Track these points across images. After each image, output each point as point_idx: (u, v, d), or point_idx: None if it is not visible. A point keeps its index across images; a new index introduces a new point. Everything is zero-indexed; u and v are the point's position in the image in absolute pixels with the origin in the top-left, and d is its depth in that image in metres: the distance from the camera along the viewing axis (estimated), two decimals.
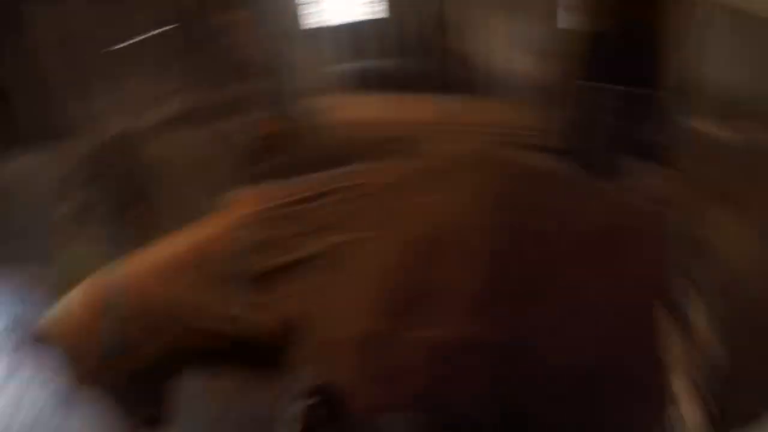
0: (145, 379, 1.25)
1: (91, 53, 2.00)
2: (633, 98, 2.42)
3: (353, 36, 2.14)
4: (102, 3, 1.90)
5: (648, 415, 1.04)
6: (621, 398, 1.01)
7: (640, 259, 1.05)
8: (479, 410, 1.02)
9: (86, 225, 2.34)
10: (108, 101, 2.31)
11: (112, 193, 2.66)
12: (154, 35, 1.98)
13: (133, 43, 1.98)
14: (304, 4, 2.01)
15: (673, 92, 2.34)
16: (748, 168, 1.37)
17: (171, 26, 1.97)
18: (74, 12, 1.96)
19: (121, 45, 1.98)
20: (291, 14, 2.03)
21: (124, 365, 1.18)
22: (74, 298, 1.22)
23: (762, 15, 2.48)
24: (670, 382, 1.02)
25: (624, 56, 2.51)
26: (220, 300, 1.13)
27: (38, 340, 1.20)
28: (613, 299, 1.00)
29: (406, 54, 2.21)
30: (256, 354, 1.19)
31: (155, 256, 1.19)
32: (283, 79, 2.05)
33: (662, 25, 2.31)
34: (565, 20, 2.18)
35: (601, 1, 2.19)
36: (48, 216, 2.79)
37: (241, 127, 1.97)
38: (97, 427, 1.26)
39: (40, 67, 2.14)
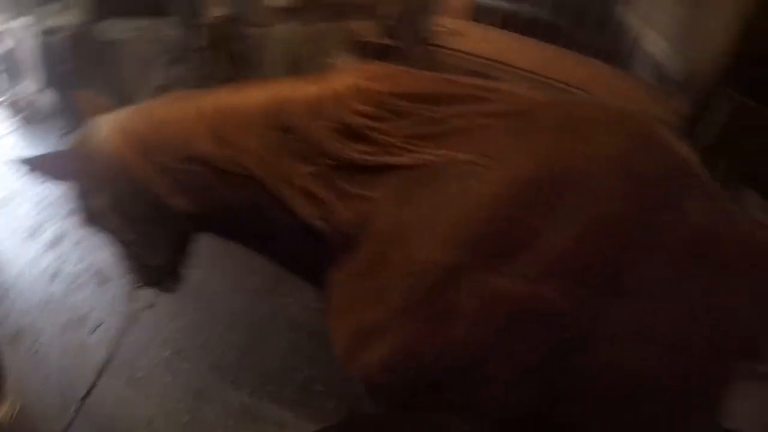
0: (173, 226, 1.20)
1: None
2: None
3: None
4: None
5: None
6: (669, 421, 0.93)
7: (746, 291, 0.92)
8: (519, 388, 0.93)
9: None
10: None
11: (214, 66, 2.67)
12: None
13: None
14: None
15: None
16: None
17: None
18: None
19: None
20: None
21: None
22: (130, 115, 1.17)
23: None
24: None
25: None
26: (284, 171, 0.97)
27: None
28: (699, 322, 0.89)
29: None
30: (304, 247, 1.04)
31: (220, 101, 1.07)
32: None
33: None
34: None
35: None
36: (147, 78, 2.89)
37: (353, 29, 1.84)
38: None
39: None
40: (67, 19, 2.90)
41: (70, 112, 2.78)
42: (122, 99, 1.37)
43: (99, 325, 2.17)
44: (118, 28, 2.88)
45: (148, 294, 1.49)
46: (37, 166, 1.16)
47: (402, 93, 1.00)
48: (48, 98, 3.24)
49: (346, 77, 1.06)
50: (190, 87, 1.62)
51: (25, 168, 1.14)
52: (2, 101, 3.49)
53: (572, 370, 0.90)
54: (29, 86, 3.30)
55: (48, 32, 2.84)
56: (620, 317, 0.87)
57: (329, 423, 1.09)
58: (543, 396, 0.94)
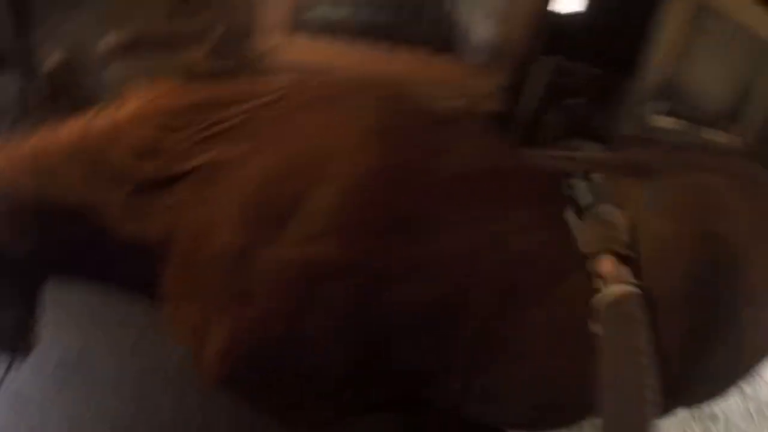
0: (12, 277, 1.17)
1: None
2: (600, 81, 2.41)
3: None
4: None
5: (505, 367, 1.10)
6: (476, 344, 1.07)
7: (526, 214, 1.10)
8: (339, 343, 1.01)
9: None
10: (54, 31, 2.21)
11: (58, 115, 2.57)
12: None
13: None
14: None
15: (644, 84, 2.33)
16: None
17: None
18: None
19: None
20: None
21: None
22: None
23: (755, 28, 2.50)
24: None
25: (603, 40, 2.51)
26: (100, 198, 1.03)
27: None
28: (484, 248, 1.03)
29: (380, 6, 2.15)
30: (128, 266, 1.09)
31: (34, 143, 1.08)
32: (242, 13, 1.96)
33: (651, 17, 2.31)
34: None
35: None
36: None
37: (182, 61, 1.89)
38: None
39: None
40: None
41: None
42: None
43: None
44: None
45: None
46: None
47: (184, 105, 1.09)
48: None
49: (136, 99, 1.13)
50: None
51: None
52: None
53: (381, 313, 1.00)
54: None
55: None
56: (412, 255, 0.98)
57: None
58: (368, 344, 1.04)
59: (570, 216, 1.07)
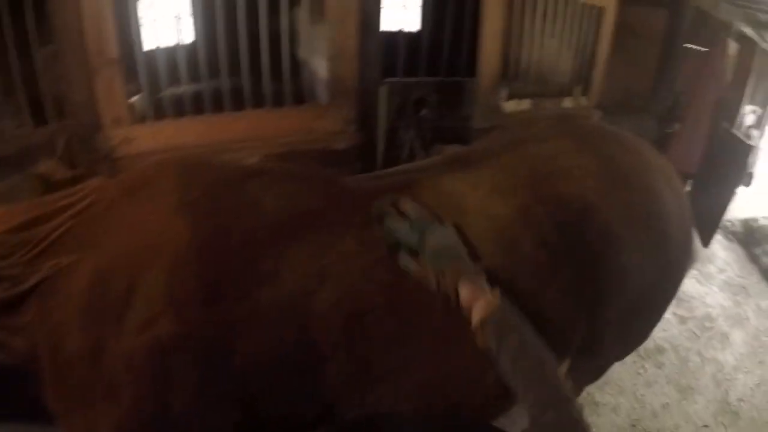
0: None
1: None
2: (446, 87, 2.57)
3: (164, 62, 2.11)
4: None
5: None
6: None
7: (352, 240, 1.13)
8: (212, 411, 1.06)
9: None
10: None
11: None
12: None
13: None
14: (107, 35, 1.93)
15: (485, 77, 2.51)
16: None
17: None
18: None
19: None
20: (98, 45, 1.95)
21: None
22: None
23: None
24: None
25: (439, 49, 2.66)
26: None
27: None
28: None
29: (219, 75, 2.20)
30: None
31: None
32: (86, 113, 1.98)
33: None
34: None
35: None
36: None
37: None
38: None
39: None
40: None
41: None
42: None
43: None
44: None
45: None
46: None
47: (5, 231, 1.11)
48: None
49: None
50: None
51: None
52: None
53: (239, 372, 1.05)
54: None
55: None
56: (246, 311, 1.04)
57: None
58: (242, 403, 1.08)
59: (406, 262, 1.06)
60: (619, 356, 1.84)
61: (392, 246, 1.08)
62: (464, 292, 1.01)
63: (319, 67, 2.20)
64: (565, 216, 1.23)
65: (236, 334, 1.03)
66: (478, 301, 0.99)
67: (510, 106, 2.54)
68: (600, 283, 1.26)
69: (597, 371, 1.95)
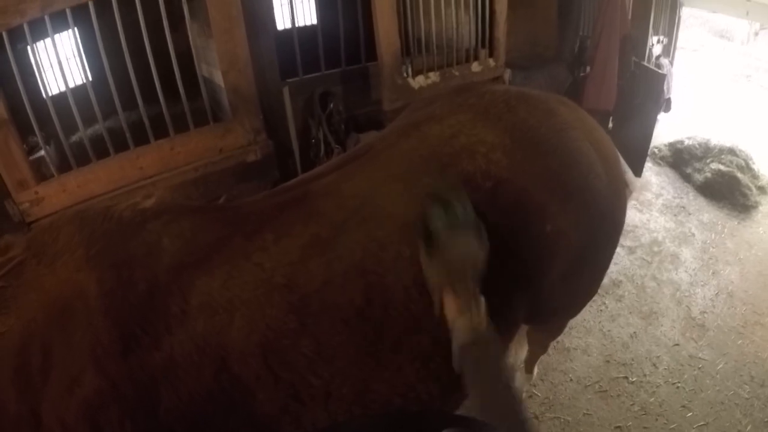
0: None
1: None
2: (348, 76, 2.54)
3: (58, 110, 1.97)
4: None
5: None
6: None
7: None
8: None
9: None
10: None
11: None
12: None
13: None
14: None
15: (388, 57, 2.48)
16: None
17: None
18: None
19: None
20: None
21: None
22: None
23: None
24: None
25: (334, 41, 2.62)
26: None
27: None
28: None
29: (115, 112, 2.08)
30: None
31: None
32: None
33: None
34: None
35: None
36: None
37: None
38: None
39: None
40: None
41: None
42: None
43: None
44: None
45: None
46: None
47: None
48: None
49: None
50: None
51: None
52: None
53: (172, 417, 1.04)
54: None
55: None
56: (162, 358, 1.03)
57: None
58: None
59: (424, 254, 1.05)
60: (576, 311, 1.85)
61: (424, 232, 1.05)
62: (449, 305, 0.99)
63: (219, 81, 2.12)
64: (477, 195, 1.16)
65: (158, 383, 1.00)
66: (459, 319, 0.97)
67: (418, 81, 2.53)
68: (529, 255, 1.23)
69: (557, 329, 2.00)
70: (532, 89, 1.54)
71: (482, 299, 1.01)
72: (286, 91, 2.16)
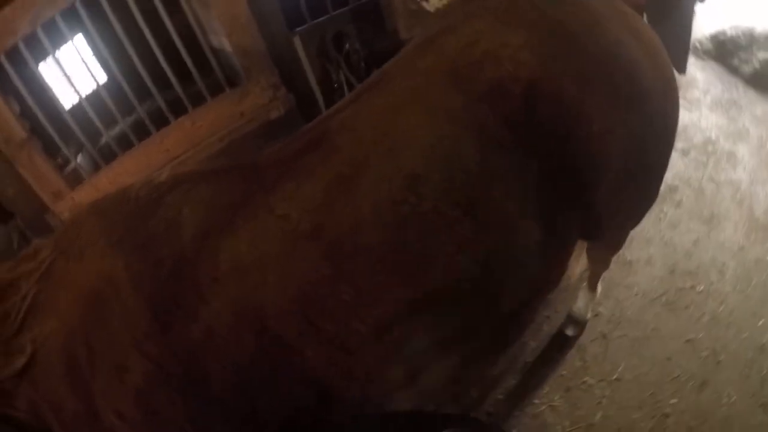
0: None
1: None
2: (359, 13, 2.39)
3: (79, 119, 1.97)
4: None
5: None
6: None
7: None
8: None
9: None
10: None
11: None
12: None
13: None
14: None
15: None
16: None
17: None
18: None
19: None
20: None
21: None
22: None
23: None
24: None
25: None
26: None
27: None
28: None
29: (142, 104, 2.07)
30: None
31: None
32: (24, 201, 1.88)
33: None
34: None
35: None
36: None
37: None
38: None
39: None
40: None
41: None
42: None
43: None
44: None
45: None
46: None
47: None
48: None
49: None
50: None
51: None
52: None
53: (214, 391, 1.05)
54: None
55: None
56: (199, 328, 1.03)
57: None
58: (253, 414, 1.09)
59: None
60: (636, 220, 1.74)
61: None
62: None
63: (226, 45, 2.04)
64: (509, 105, 1.07)
65: (201, 356, 1.01)
66: None
67: (433, 3, 2.36)
68: (578, 163, 1.13)
69: (617, 242, 1.91)
70: None
71: None
72: (297, 40, 2.06)
